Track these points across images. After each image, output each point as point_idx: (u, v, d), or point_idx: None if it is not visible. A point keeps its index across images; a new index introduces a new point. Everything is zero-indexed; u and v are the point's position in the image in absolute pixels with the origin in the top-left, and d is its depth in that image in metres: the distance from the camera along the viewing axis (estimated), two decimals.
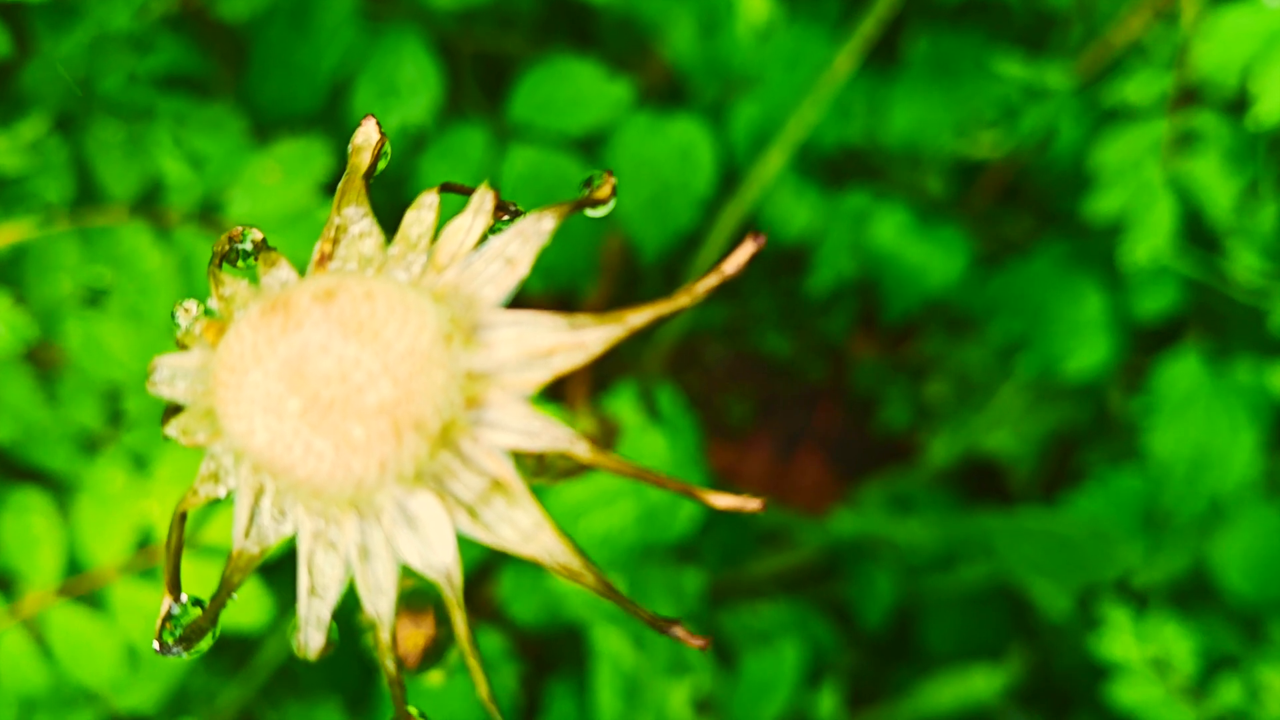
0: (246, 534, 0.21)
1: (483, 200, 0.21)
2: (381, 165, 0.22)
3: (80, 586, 0.51)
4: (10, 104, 0.55)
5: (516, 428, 0.21)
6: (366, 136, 0.22)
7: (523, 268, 0.21)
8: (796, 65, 0.81)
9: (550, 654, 0.75)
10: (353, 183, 0.21)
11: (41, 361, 0.56)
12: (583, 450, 0.20)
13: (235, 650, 0.73)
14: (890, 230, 0.87)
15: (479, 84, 0.72)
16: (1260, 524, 0.82)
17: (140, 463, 0.52)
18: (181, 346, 0.21)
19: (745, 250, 0.20)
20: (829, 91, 0.78)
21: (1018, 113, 0.84)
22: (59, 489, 0.55)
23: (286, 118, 0.61)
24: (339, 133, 0.62)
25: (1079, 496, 0.84)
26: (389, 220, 0.24)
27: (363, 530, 0.21)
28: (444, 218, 0.22)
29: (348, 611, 0.73)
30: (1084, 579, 0.76)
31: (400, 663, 0.34)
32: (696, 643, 0.20)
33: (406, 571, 0.32)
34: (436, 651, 0.34)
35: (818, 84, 0.78)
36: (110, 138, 0.50)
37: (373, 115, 0.21)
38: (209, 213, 0.54)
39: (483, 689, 0.21)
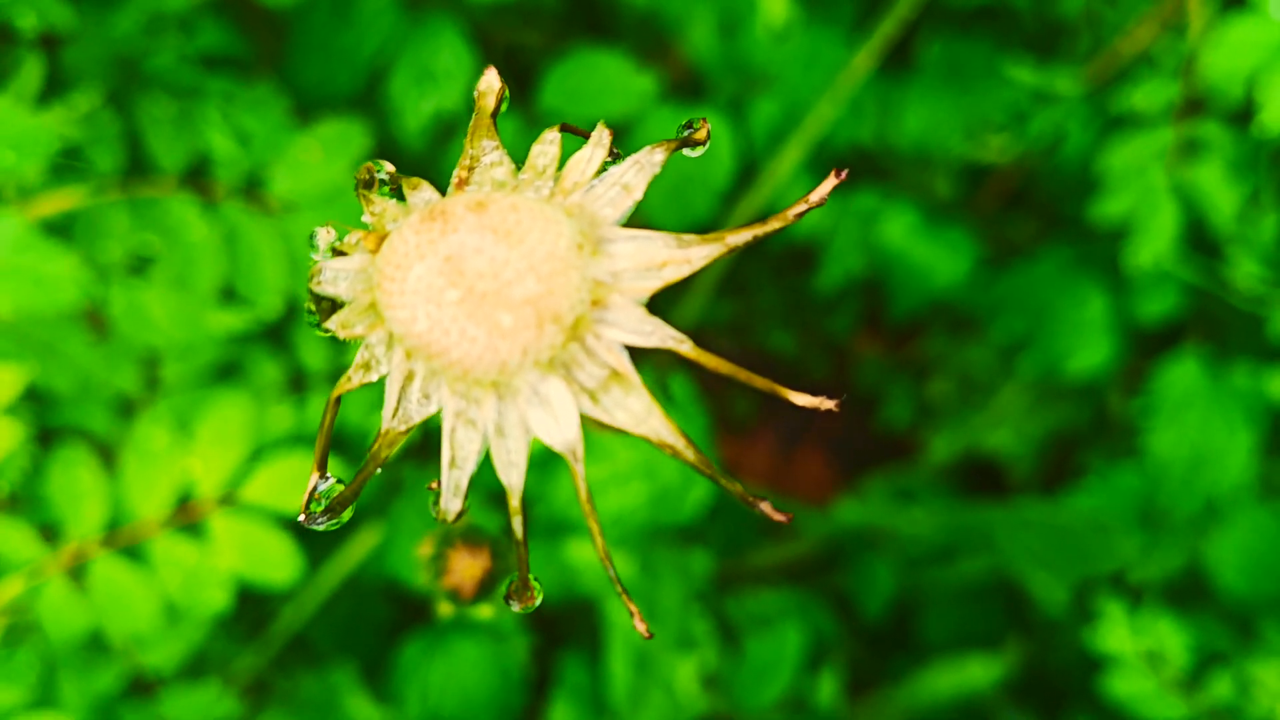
0: (394, 415, 0.24)
1: (601, 135, 0.24)
2: (503, 108, 0.24)
3: (122, 539, 0.53)
4: (56, 80, 0.57)
5: (633, 327, 0.24)
6: (489, 84, 0.25)
7: (638, 193, 0.25)
8: (813, 65, 0.83)
9: (560, 628, 0.77)
10: (481, 121, 0.24)
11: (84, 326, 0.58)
12: (687, 349, 0.24)
13: (251, 618, 0.74)
14: (899, 230, 0.89)
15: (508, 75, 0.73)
16: (1255, 524, 0.84)
17: (183, 423, 0.54)
18: (339, 254, 0.24)
19: (829, 183, 0.23)
20: (846, 91, 0.80)
21: (1027, 117, 0.85)
22: (98, 450, 0.57)
23: (325, 99, 0.63)
24: (376, 116, 0.64)
25: (1079, 492, 0.86)
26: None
27: (500, 410, 0.24)
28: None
29: (365, 580, 0.74)
30: (1083, 570, 0.78)
31: (457, 591, 0.36)
32: (780, 517, 0.22)
33: (474, 506, 0.33)
34: (490, 584, 0.36)
35: (835, 84, 0.80)
36: (161, 113, 0.52)
37: (492, 68, 0.24)
38: (253, 188, 0.56)
39: (600, 546, 0.24)
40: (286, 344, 0.65)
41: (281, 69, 0.64)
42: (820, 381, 1.11)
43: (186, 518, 0.54)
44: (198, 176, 0.55)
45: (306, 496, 0.23)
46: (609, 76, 0.66)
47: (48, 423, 0.56)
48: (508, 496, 0.23)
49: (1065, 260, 0.90)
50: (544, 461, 0.67)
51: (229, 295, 0.57)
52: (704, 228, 0.79)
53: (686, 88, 0.84)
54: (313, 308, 0.24)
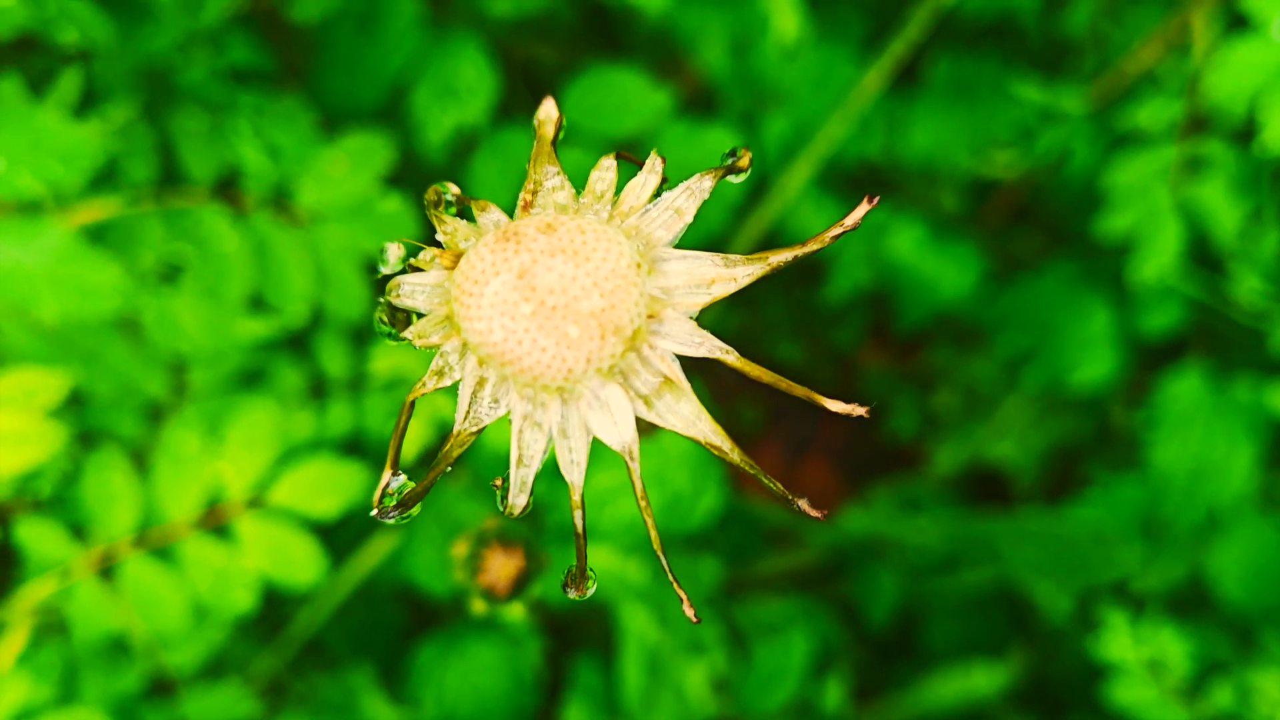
0: (466, 417, 0.26)
1: (655, 163, 0.26)
2: (560, 136, 0.26)
3: (152, 540, 0.54)
4: (87, 93, 0.58)
5: (684, 339, 0.27)
6: (548, 113, 0.27)
7: (688, 216, 0.27)
8: (824, 83, 0.84)
9: (571, 634, 0.79)
10: (543, 149, 0.26)
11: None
12: (733, 359, 0.26)
13: (268, 622, 0.75)
14: (906, 244, 0.90)
15: (526, 90, 0.75)
16: (1255, 536, 0.85)
17: (212, 428, 0.55)
18: (414, 270, 0.26)
19: (863, 208, 0.25)
20: (857, 108, 0.81)
21: (1033, 134, 0.87)
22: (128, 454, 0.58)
23: (350, 113, 0.64)
24: (399, 129, 0.65)
25: (1082, 503, 0.87)
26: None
27: (564, 413, 0.26)
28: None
29: (380, 586, 0.75)
30: (1085, 580, 0.79)
31: (492, 589, 0.37)
32: (816, 514, 0.24)
33: (495, 512, 0.35)
34: (523, 583, 0.37)
35: (846, 101, 0.81)
36: (194, 126, 0.54)
37: (551, 97, 0.25)
38: (281, 199, 0.57)
39: (655, 539, 0.25)
40: (308, 352, 0.66)
41: (308, 83, 0.65)
42: (827, 392, 1.12)
43: (215, 520, 0.55)
44: (228, 188, 0.57)
45: (379, 492, 0.25)
46: (626, 93, 0.68)
47: (81, 427, 0.57)
48: (569, 492, 0.25)
49: (1070, 275, 0.91)
50: (555, 472, 0.68)
51: (256, 304, 0.58)
52: (716, 239, 0.80)
53: (699, 103, 0.85)
54: (385, 318, 0.26)
